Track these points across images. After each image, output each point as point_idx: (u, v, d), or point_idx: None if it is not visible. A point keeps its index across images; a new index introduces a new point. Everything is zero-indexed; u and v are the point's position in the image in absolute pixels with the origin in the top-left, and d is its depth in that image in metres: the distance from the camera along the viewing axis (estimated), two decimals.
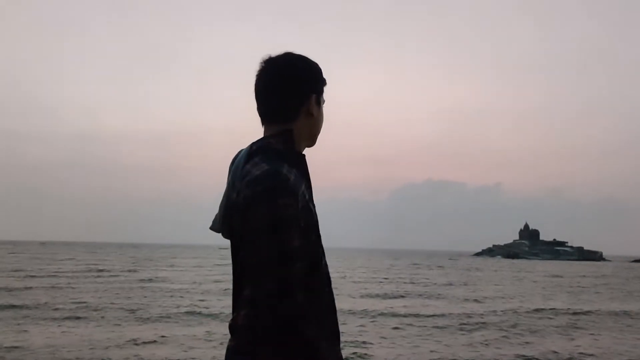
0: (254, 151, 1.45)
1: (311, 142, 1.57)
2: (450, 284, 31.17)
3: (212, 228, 1.47)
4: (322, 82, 1.57)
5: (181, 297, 19.84)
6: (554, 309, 19.21)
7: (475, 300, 21.67)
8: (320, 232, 1.46)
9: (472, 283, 32.84)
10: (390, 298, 21.99)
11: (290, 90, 1.49)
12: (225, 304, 16.92)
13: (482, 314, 17.11)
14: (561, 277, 45.27)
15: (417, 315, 16.55)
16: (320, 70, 1.57)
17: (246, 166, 1.40)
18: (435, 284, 31.32)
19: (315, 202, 1.46)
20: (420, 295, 23.89)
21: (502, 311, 18.00)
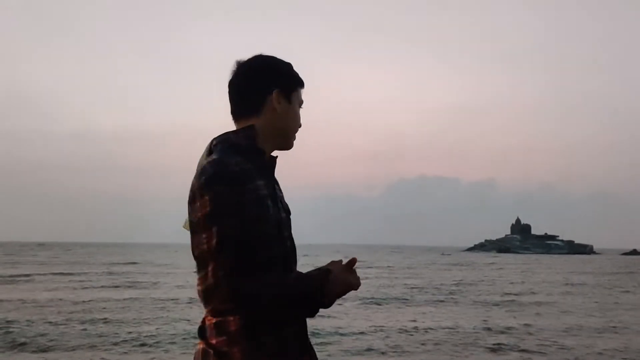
0: (214, 146, 1.46)
1: (282, 140, 1.54)
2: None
3: (184, 227, 1.44)
4: (292, 80, 1.55)
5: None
6: None
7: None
8: (290, 231, 1.49)
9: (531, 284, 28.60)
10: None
11: (250, 85, 1.51)
12: None
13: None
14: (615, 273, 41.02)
15: None
16: (289, 68, 1.56)
17: (204, 161, 1.41)
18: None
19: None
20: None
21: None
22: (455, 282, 28.77)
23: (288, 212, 1.53)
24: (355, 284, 1.40)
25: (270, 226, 1.39)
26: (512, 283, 29.18)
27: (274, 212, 1.41)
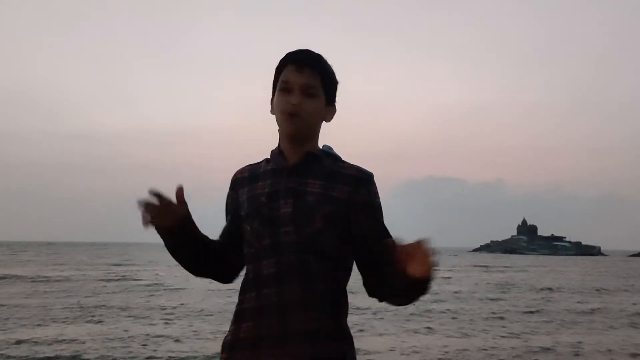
0: None
1: (283, 136, 1.55)
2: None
3: None
4: (276, 73, 1.55)
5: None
6: None
7: None
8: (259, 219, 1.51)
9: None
10: None
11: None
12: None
13: None
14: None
15: None
16: (280, 62, 1.54)
17: None
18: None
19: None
20: None
21: None
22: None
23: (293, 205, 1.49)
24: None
25: (241, 217, 1.55)
26: (598, 290, 26.42)
27: (241, 202, 1.55)
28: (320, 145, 1.59)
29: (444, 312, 16.16)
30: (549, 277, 36.51)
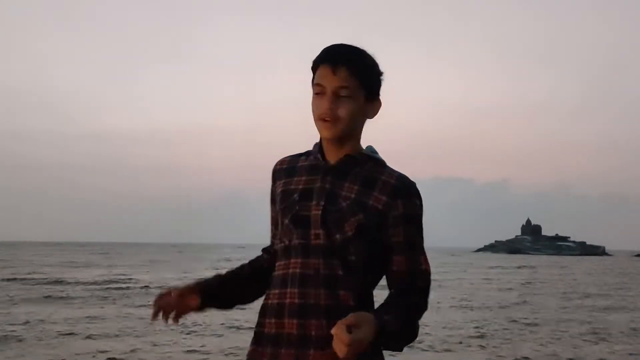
0: None
1: (319, 131, 1.49)
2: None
3: None
4: (313, 71, 1.48)
5: None
6: None
7: None
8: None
9: None
10: None
11: None
12: None
13: None
14: None
15: None
16: (317, 58, 1.47)
17: None
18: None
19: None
20: None
21: None
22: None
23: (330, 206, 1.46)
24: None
25: (279, 206, 1.54)
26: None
27: (279, 193, 1.54)
28: (364, 146, 1.53)
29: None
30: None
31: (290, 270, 1.44)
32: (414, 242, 1.47)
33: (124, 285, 23.18)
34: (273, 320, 1.44)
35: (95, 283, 24.08)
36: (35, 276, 27.19)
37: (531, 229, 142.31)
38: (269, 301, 1.48)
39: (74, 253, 67.16)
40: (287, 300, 1.43)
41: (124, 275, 29.29)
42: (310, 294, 1.41)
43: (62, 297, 18.64)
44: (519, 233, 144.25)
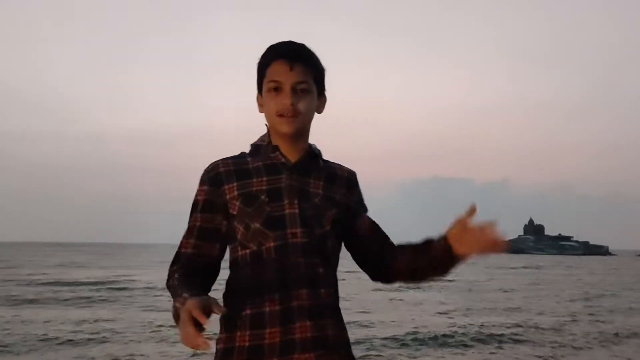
0: None
1: (276, 130, 1.47)
2: None
3: None
4: (259, 71, 1.48)
5: None
6: None
7: None
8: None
9: None
10: None
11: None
12: None
13: None
14: None
15: None
16: (261, 58, 1.47)
17: None
18: None
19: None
20: None
21: None
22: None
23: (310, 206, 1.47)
24: (182, 335, 1.23)
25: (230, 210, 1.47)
26: None
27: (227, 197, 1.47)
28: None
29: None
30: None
31: (268, 276, 1.39)
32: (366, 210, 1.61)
33: (125, 286, 23.00)
34: (250, 332, 1.38)
35: (95, 284, 23.92)
36: (35, 277, 27.02)
37: (534, 229, 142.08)
38: (248, 312, 1.39)
39: (74, 253, 67.22)
40: (267, 309, 1.38)
41: (125, 276, 29.12)
42: (295, 296, 1.38)
43: (62, 298, 18.43)
44: (521, 233, 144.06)
